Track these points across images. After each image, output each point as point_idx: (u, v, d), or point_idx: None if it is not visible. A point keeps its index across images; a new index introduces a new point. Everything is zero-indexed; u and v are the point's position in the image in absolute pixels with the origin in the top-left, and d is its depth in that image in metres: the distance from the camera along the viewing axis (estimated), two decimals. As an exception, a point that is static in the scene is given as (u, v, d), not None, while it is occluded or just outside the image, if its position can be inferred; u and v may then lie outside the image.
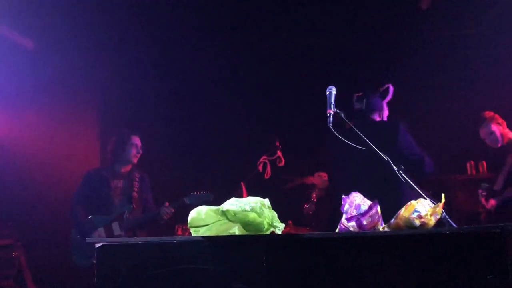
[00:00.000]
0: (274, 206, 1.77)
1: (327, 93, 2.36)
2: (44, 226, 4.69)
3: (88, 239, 1.86)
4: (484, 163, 4.67)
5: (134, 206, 3.99)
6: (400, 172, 2.05)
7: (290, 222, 4.39)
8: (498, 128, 4.05)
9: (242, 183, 4.18)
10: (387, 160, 2.09)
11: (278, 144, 4.39)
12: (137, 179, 4.15)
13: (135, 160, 4.15)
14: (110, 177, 4.11)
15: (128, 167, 4.18)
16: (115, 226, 3.93)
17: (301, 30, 4.79)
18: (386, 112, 3.29)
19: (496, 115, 4.10)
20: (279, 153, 4.38)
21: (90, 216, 3.99)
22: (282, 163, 4.37)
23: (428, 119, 4.78)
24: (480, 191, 4.04)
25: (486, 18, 4.62)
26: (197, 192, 3.99)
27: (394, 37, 4.87)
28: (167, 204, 3.92)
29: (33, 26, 4.23)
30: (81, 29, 4.40)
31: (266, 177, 4.33)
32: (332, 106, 2.31)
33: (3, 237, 4.53)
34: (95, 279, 1.71)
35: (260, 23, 4.66)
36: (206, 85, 5.49)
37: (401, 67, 4.92)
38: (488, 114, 4.12)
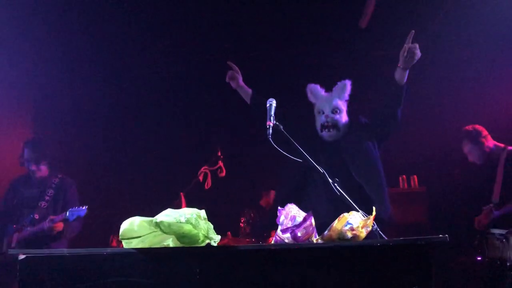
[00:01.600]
0: (214, 217, 1.75)
1: (267, 105, 2.40)
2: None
3: (10, 251, 1.76)
4: (415, 177, 4.88)
5: (37, 216, 3.72)
6: (335, 185, 2.10)
7: (229, 233, 4.37)
8: (478, 146, 3.91)
9: (181, 194, 4.12)
10: (323, 172, 2.14)
11: (219, 154, 4.37)
12: (53, 185, 3.88)
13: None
14: (22, 187, 3.87)
15: (45, 172, 3.91)
16: (15, 238, 3.71)
17: (244, 41, 4.83)
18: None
19: (477, 130, 3.93)
20: (220, 163, 4.36)
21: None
22: (223, 174, 4.35)
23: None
24: (491, 204, 3.75)
25: (421, 38, 4.87)
26: (75, 207, 3.70)
27: (332, 53, 5.02)
28: (50, 217, 3.66)
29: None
30: (16, 28, 4.19)
31: (206, 187, 4.28)
32: (272, 118, 2.35)
33: None
34: (17, 293, 1.61)
35: (201, 30, 4.64)
36: (145, 91, 5.37)
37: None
38: (467, 129, 3.97)
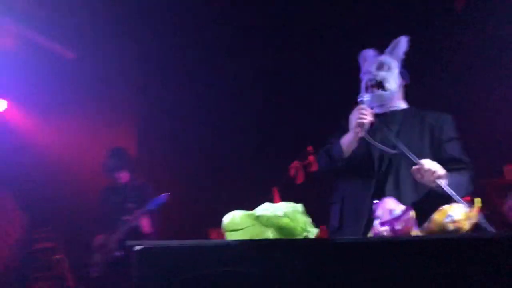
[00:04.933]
0: (307, 211, 1.80)
1: (359, 100, 2.38)
2: (83, 230, 4.84)
3: (128, 242, 1.92)
4: (524, 166, 4.52)
5: (128, 218, 4.02)
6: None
7: (324, 227, 4.38)
8: None
9: (274, 189, 4.21)
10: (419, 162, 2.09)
11: (310, 149, 4.40)
12: (135, 187, 4.20)
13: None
14: (110, 194, 4.24)
15: (126, 178, 4.26)
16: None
17: (334, 34, 4.78)
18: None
19: None
20: (311, 158, 4.38)
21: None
22: (314, 168, 4.37)
23: (463, 121, 4.69)
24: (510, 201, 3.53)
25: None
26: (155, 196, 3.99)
27: (428, 39, 4.80)
28: (134, 214, 3.96)
29: (73, 37, 4.39)
30: (120, 39, 4.53)
31: (298, 182, 4.34)
32: None
33: (43, 240, 4.71)
34: (134, 281, 1.77)
35: (291, 24, 4.65)
36: (234, 86, 5.55)
37: (439, 67, 4.85)
38: None
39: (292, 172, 4.37)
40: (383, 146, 2.24)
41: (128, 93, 5.25)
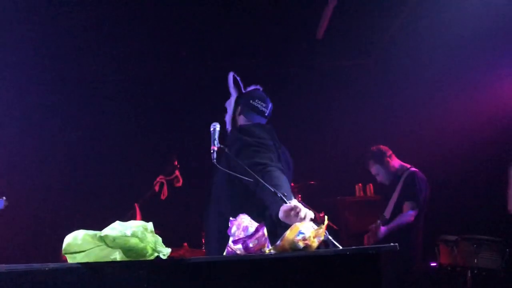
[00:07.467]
0: (170, 228, 1.71)
1: (211, 129, 2.37)
2: None
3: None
4: (371, 185, 4.97)
5: None
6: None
7: (186, 244, 4.28)
8: (383, 166, 3.97)
9: (136, 204, 4.01)
10: (274, 191, 2.12)
11: (176, 163, 4.30)
12: None
13: None
14: None
15: None
16: None
17: (195, 51, 4.81)
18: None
19: (381, 150, 3.98)
20: (177, 172, 4.29)
21: None
22: (180, 183, 4.28)
23: (320, 144, 5.03)
24: (378, 221, 3.82)
25: (375, 50, 5.02)
26: None
27: (288, 65, 5.08)
28: None
29: None
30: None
31: (162, 197, 4.20)
32: (216, 142, 2.33)
33: None
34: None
35: (155, 38, 4.59)
36: (98, 99, 5.25)
37: (293, 95, 5.12)
38: (372, 150, 4.01)
39: (156, 187, 4.23)
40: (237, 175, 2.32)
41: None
